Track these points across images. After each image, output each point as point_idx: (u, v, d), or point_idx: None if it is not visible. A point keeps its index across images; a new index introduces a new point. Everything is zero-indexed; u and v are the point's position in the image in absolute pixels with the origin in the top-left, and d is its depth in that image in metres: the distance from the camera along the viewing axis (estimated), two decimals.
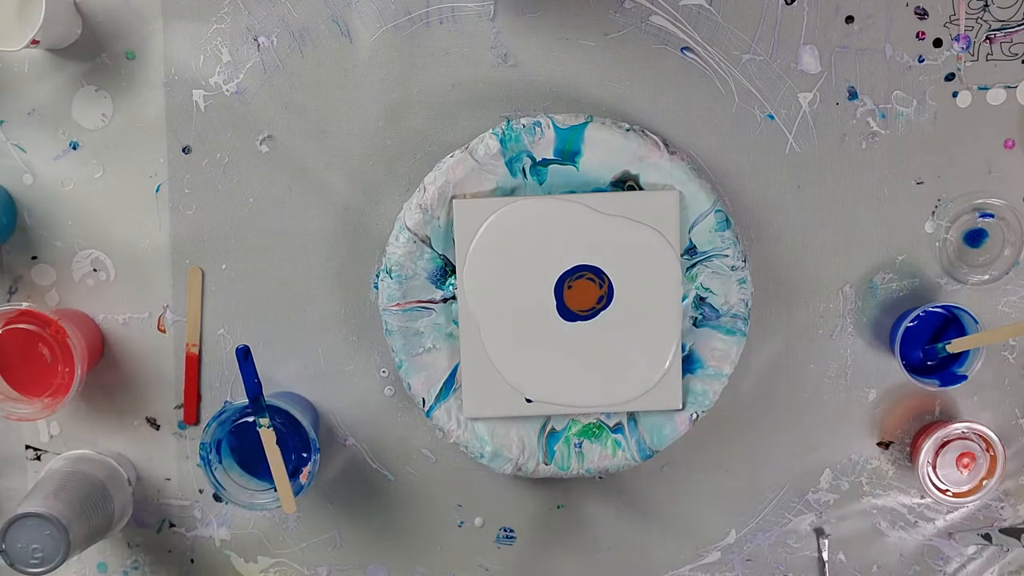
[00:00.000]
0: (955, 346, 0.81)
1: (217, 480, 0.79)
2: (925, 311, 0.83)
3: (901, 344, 0.82)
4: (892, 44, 0.83)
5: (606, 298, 0.82)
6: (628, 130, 0.80)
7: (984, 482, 0.85)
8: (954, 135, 0.84)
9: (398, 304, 0.82)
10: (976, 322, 0.81)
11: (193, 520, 0.88)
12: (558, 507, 0.88)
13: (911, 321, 0.82)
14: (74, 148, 0.84)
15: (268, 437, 0.78)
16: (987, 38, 0.82)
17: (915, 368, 0.84)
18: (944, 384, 0.83)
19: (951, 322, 0.84)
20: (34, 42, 0.77)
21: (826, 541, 0.88)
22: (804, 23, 0.82)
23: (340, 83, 0.83)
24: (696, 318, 0.83)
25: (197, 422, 0.87)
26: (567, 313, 0.82)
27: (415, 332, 0.83)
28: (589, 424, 0.84)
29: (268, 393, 0.82)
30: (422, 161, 0.84)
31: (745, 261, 0.82)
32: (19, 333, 0.79)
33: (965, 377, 0.83)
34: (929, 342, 0.85)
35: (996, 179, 0.84)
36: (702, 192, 0.81)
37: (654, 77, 0.83)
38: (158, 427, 0.87)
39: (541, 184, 0.81)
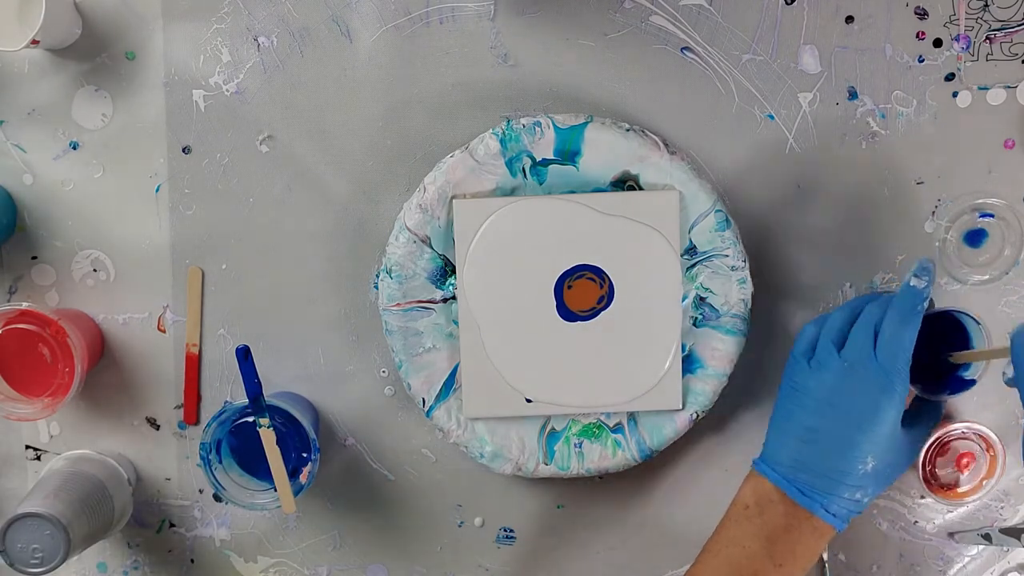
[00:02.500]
0: (957, 358, 0.78)
1: (217, 480, 0.79)
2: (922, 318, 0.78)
3: None
4: (892, 44, 0.83)
5: (606, 298, 0.82)
6: (628, 130, 0.80)
7: (984, 482, 0.85)
8: (954, 135, 0.84)
9: (398, 304, 0.82)
10: (978, 323, 0.78)
11: (193, 520, 0.88)
12: (558, 507, 0.88)
13: None
14: (74, 148, 0.84)
15: (268, 437, 0.78)
16: (987, 38, 0.82)
17: (918, 379, 0.78)
18: (954, 392, 0.79)
19: (951, 326, 0.80)
20: (34, 42, 0.77)
21: None
22: (804, 23, 0.82)
23: (340, 83, 0.83)
24: (696, 318, 0.83)
25: (197, 422, 0.87)
26: (567, 313, 0.82)
27: (415, 332, 0.83)
28: (589, 424, 0.84)
29: (268, 393, 0.82)
30: (422, 161, 0.84)
31: (745, 261, 0.82)
32: (19, 333, 0.79)
33: (974, 382, 0.79)
34: (931, 350, 0.80)
35: (996, 179, 0.84)
36: (702, 192, 0.81)
37: (654, 77, 0.83)
38: (158, 427, 0.87)
39: (541, 184, 0.81)
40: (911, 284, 0.74)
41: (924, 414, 0.78)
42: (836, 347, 0.74)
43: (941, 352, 0.78)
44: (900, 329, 0.72)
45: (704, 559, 0.75)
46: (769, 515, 0.73)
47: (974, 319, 0.78)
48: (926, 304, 0.73)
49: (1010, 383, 0.70)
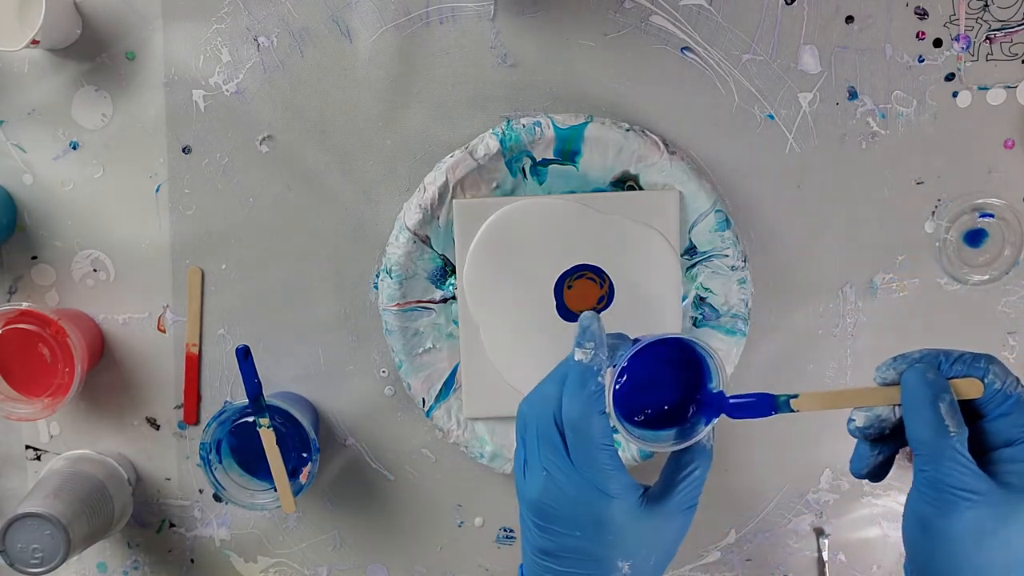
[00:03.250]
0: (804, 403, 0.63)
1: (217, 480, 0.79)
2: (627, 362, 0.62)
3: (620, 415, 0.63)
4: (892, 44, 0.83)
5: (606, 298, 0.82)
6: (628, 130, 0.80)
7: None
8: (954, 135, 0.83)
9: (398, 304, 0.82)
10: (705, 349, 0.63)
11: (193, 520, 0.88)
12: None
13: (618, 383, 0.63)
14: (74, 148, 0.84)
15: (268, 437, 0.78)
16: (987, 38, 0.82)
17: (660, 425, 0.65)
18: (711, 419, 0.63)
19: (668, 350, 0.65)
20: (34, 42, 0.77)
21: (826, 541, 0.88)
22: (804, 23, 0.82)
23: (340, 83, 0.83)
24: (696, 318, 0.83)
25: (197, 422, 0.87)
26: (567, 313, 0.82)
27: (415, 332, 0.83)
28: None
29: (268, 393, 0.82)
30: (422, 161, 0.84)
31: (745, 261, 0.82)
32: (19, 333, 0.79)
33: (723, 393, 0.63)
34: (663, 386, 0.65)
35: (996, 179, 0.84)
36: (702, 192, 0.81)
37: (654, 77, 0.83)
38: (158, 427, 0.87)
39: (541, 184, 0.81)
40: (576, 359, 0.60)
41: (685, 463, 0.63)
42: (538, 443, 0.61)
43: (680, 386, 0.65)
44: (583, 423, 0.59)
45: None
46: None
47: (692, 340, 0.64)
48: (604, 376, 0.60)
49: (857, 433, 0.61)
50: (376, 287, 0.85)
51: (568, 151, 0.81)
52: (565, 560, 0.60)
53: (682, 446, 0.63)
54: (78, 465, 0.84)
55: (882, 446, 0.62)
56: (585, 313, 0.61)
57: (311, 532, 0.89)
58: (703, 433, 0.63)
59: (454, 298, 0.83)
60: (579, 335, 0.60)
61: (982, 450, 0.58)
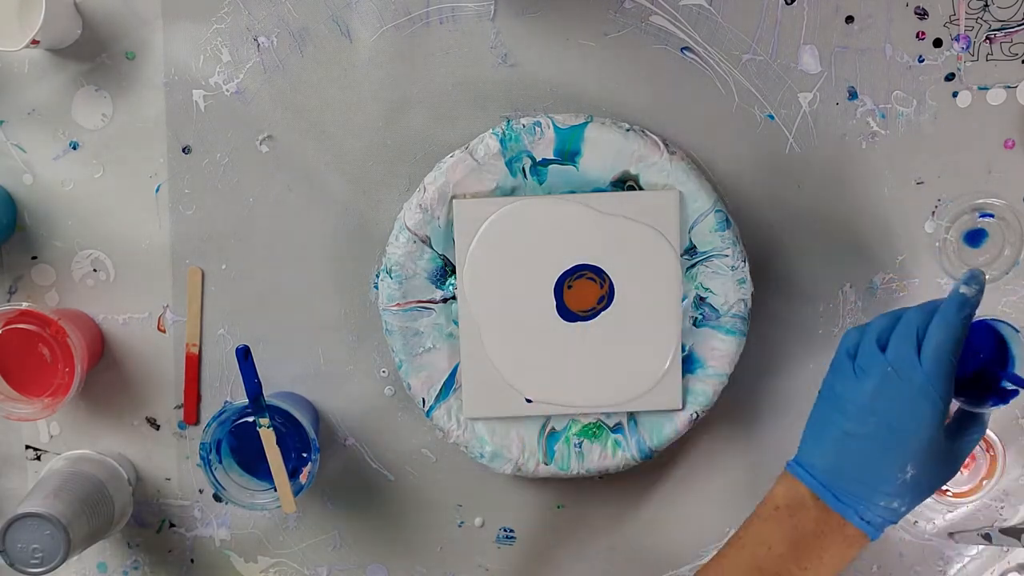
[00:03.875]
0: None
1: (217, 480, 0.79)
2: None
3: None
4: (892, 44, 0.83)
5: (607, 298, 0.82)
6: (628, 130, 0.80)
7: (984, 482, 0.85)
8: (954, 135, 0.83)
9: (398, 304, 0.82)
10: (1017, 331, 0.75)
11: (193, 520, 0.88)
12: (558, 507, 0.88)
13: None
14: (74, 148, 0.84)
15: (268, 437, 0.78)
16: (987, 38, 0.82)
17: (960, 392, 0.74)
18: (996, 404, 0.75)
19: (986, 335, 0.76)
20: (34, 42, 0.77)
21: None
22: (804, 23, 0.82)
23: (340, 83, 0.83)
24: (696, 318, 0.83)
25: (197, 422, 0.87)
26: (567, 313, 0.82)
27: (415, 332, 0.83)
28: (589, 424, 0.84)
29: (268, 393, 0.82)
30: (422, 161, 0.84)
31: (745, 261, 0.82)
32: (19, 333, 0.79)
33: (1017, 392, 0.74)
34: (971, 362, 0.76)
35: (996, 179, 0.84)
36: (702, 192, 0.81)
37: (654, 77, 0.83)
38: (158, 427, 0.87)
39: (541, 184, 0.81)
40: (960, 291, 0.70)
41: (967, 427, 0.73)
42: (880, 351, 0.70)
43: (981, 364, 0.75)
44: (946, 336, 0.69)
45: (729, 552, 0.73)
46: (800, 519, 0.71)
47: (1012, 327, 0.75)
48: (973, 313, 0.70)
49: None
50: (376, 287, 0.85)
51: (568, 151, 0.80)
52: (867, 446, 0.69)
53: (974, 410, 0.73)
54: (78, 465, 0.84)
55: None
56: (979, 270, 0.71)
57: (311, 532, 0.89)
58: (988, 411, 0.74)
59: (454, 298, 0.83)
60: (967, 278, 0.70)
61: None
